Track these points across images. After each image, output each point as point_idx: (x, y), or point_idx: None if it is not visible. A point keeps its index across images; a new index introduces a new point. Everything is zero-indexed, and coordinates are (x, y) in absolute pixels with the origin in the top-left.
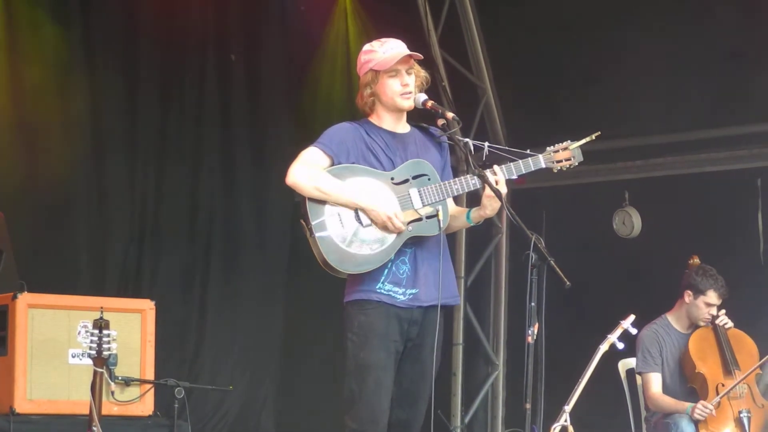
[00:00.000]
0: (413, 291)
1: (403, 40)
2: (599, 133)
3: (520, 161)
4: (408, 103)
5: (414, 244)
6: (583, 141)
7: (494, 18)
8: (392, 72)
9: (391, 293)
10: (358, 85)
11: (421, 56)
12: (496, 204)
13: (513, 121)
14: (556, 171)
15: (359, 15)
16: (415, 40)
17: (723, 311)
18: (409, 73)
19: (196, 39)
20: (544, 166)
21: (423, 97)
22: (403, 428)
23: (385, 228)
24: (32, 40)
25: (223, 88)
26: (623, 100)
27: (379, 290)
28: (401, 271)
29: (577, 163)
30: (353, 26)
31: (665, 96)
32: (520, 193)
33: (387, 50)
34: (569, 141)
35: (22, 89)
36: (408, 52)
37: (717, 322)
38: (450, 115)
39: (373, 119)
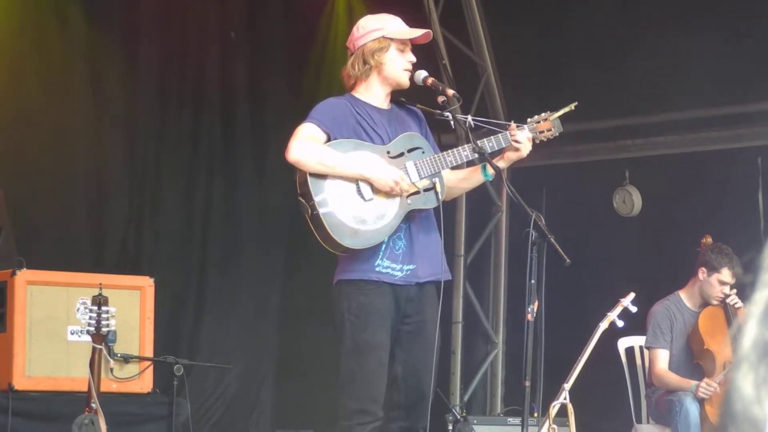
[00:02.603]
0: (410, 267)
1: (403, 17)
2: (576, 103)
3: (507, 132)
4: (407, 81)
5: (408, 219)
6: (562, 111)
7: None
8: (402, 46)
9: (389, 270)
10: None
11: (431, 36)
12: (516, 158)
13: (514, 99)
14: (538, 142)
15: None
16: (416, 17)
17: (734, 291)
18: (411, 52)
19: (195, 16)
20: (529, 135)
21: (423, 73)
22: (420, 402)
23: (391, 193)
24: (33, 19)
25: (222, 66)
26: (624, 79)
27: (377, 268)
28: (397, 247)
29: (557, 134)
30: (354, 3)
31: (667, 75)
32: (520, 170)
33: (399, 24)
34: (548, 112)
35: (21, 66)
36: (425, 30)
37: (728, 301)
38: (450, 92)
39: (358, 93)
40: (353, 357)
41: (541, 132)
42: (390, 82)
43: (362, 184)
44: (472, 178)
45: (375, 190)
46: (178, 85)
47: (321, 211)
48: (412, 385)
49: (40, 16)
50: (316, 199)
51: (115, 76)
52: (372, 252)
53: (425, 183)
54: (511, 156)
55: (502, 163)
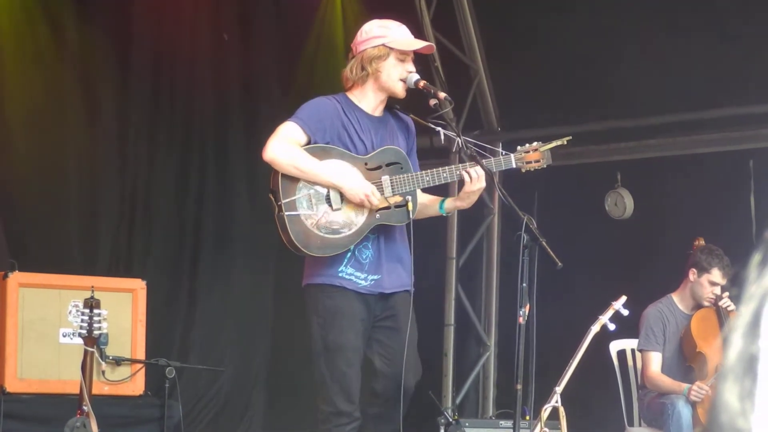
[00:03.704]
0: (375, 277)
1: (396, 19)
2: (570, 137)
3: (492, 159)
4: (402, 92)
5: (378, 230)
6: (554, 144)
7: None
8: (403, 56)
9: (352, 278)
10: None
11: (434, 48)
12: (474, 198)
13: (505, 102)
14: (524, 171)
15: None
16: (408, 20)
17: (726, 293)
18: (413, 62)
19: (188, 18)
20: (514, 166)
21: (415, 77)
22: (397, 391)
23: (361, 205)
24: (23, 20)
25: (215, 67)
26: (616, 81)
27: (340, 274)
28: (364, 257)
29: (545, 165)
30: (347, 4)
31: (658, 77)
32: (512, 173)
33: (404, 32)
34: (539, 143)
35: (12, 69)
36: (427, 42)
37: (720, 303)
38: (442, 95)
39: (352, 96)
40: (323, 359)
41: (529, 162)
42: (385, 90)
43: (332, 192)
44: (432, 206)
45: (345, 199)
46: (170, 87)
47: (286, 213)
48: (389, 375)
49: (30, 17)
50: (284, 200)
51: (107, 78)
52: (336, 258)
53: (397, 199)
54: (462, 196)
55: (459, 203)
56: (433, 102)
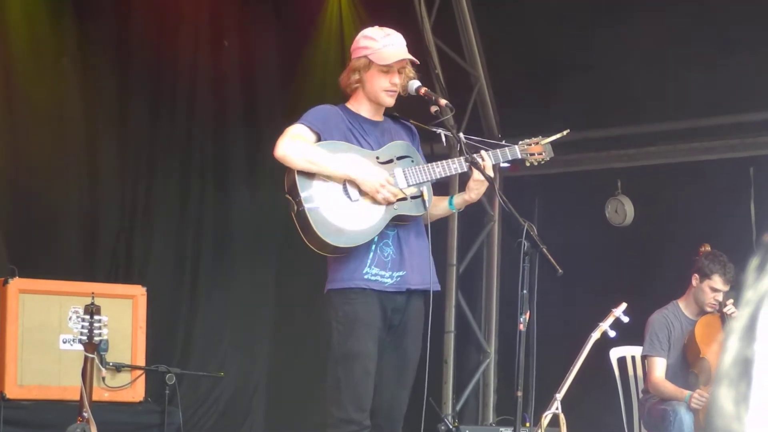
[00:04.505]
0: (400, 273)
1: (396, 27)
2: (569, 130)
3: (498, 150)
4: (391, 101)
5: (396, 226)
6: (554, 137)
7: (488, 5)
8: (385, 68)
9: (378, 278)
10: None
11: (418, 62)
12: (483, 188)
13: (506, 109)
14: (528, 164)
15: (353, 0)
16: (409, 27)
17: (731, 300)
18: (399, 72)
19: (188, 24)
20: (519, 156)
21: (416, 84)
22: (387, 415)
23: (377, 196)
24: (25, 26)
25: (215, 73)
26: (617, 88)
27: (366, 276)
28: (386, 254)
29: (548, 158)
30: (347, 12)
31: (659, 84)
32: (512, 180)
33: (388, 44)
34: (541, 136)
35: (11, 73)
36: (408, 55)
37: (724, 310)
38: (443, 102)
39: (351, 104)
40: (339, 365)
41: (532, 155)
42: (372, 99)
43: (349, 185)
44: (439, 205)
45: (362, 191)
46: (170, 93)
47: (306, 206)
48: (385, 395)
49: (31, 22)
50: (303, 195)
51: (107, 84)
52: (360, 259)
53: (412, 190)
54: (470, 186)
55: (467, 195)
56: (434, 109)
